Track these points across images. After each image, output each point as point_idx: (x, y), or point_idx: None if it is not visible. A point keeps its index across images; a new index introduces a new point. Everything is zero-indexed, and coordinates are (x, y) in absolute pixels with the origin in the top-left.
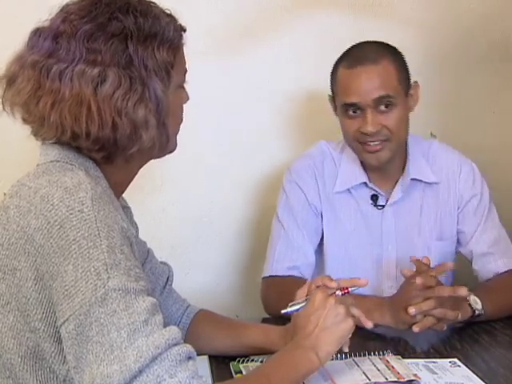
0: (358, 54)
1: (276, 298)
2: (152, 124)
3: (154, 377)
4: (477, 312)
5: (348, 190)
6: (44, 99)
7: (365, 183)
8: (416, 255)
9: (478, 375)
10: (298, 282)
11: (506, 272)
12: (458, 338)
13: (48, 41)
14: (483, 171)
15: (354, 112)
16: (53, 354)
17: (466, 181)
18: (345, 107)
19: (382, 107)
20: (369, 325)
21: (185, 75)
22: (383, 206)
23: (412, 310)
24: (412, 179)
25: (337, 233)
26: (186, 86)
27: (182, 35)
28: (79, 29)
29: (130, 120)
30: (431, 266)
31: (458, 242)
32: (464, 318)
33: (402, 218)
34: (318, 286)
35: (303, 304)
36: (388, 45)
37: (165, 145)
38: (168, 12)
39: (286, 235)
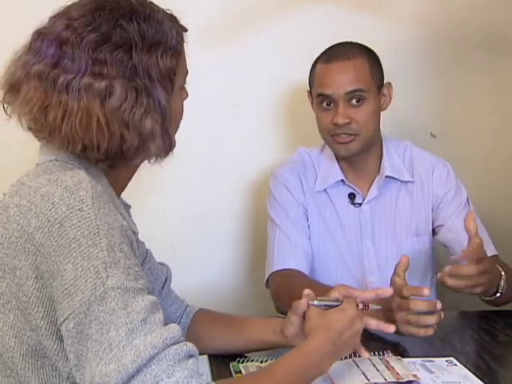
0: (335, 51)
1: (285, 293)
2: (158, 134)
3: (152, 376)
4: (498, 294)
5: (325, 189)
6: (53, 112)
7: (342, 181)
8: (391, 251)
9: (477, 375)
10: (302, 275)
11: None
12: (458, 338)
13: (52, 48)
14: (483, 171)
15: (327, 105)
16: (56, 352)
17: (439, 179)
18: (319, 99)
19: (354, 101)
20: (365, 355)
21: (186, 77)
22: (360, 204)
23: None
24: (387, 177)
25: (321, 231)
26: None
27: (183, 37)
28: (84, 38)
29: (138, 132)
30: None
31: (436, 234)
32: (489, 291)
33: (379, 215)
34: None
35: (336, 305)
36: (363, 45)
37: (168, 149)
38: (169, 13)
39: (281, 232)
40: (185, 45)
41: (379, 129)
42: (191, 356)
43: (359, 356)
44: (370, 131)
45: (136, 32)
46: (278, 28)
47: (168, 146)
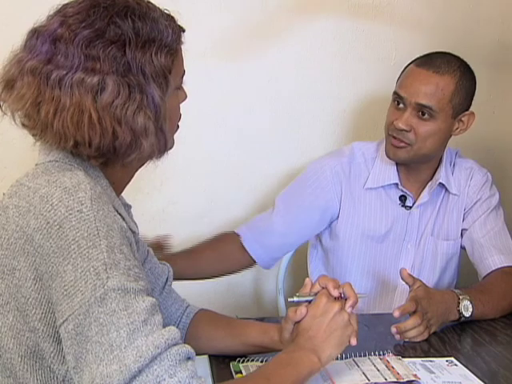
0: (431, 58)
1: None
2: (151, 131)
3: (154, 376)
4: (463, 319)
5: (380, 187)
6: (45, 107)
7: (396, 184)
8: (428, 255)
9: (478, 375)
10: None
11: (503, 267)
12: (458, 338)
13: (46, 45)
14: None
15: (398, 104)
16: (52, 354)
17: (475, 185)
18: (394, 96)
19: (421, 114)
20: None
21: (182, 77)
22: (410, 207)
23: (396, 313)
24: (439, 184)
25: (358, 231)
26: (184, 85)
27: (180, 37)
28: (77, 34)
29: (130, 128)
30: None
31: (461, 238)
32: (449, 320)
33: (425, 220)
34: (323, 288)
35: (311, 299)
36: (464, 64)
37: (163, 148)
38: (167, 12)
39: (269, 216)
40: (182, 46)
41: (441, 149)
42: (189, 358)
43: (359, 355)
44: (424, 148)
45: (130, 29)
46: (281, 35)
47: (163, 145)
